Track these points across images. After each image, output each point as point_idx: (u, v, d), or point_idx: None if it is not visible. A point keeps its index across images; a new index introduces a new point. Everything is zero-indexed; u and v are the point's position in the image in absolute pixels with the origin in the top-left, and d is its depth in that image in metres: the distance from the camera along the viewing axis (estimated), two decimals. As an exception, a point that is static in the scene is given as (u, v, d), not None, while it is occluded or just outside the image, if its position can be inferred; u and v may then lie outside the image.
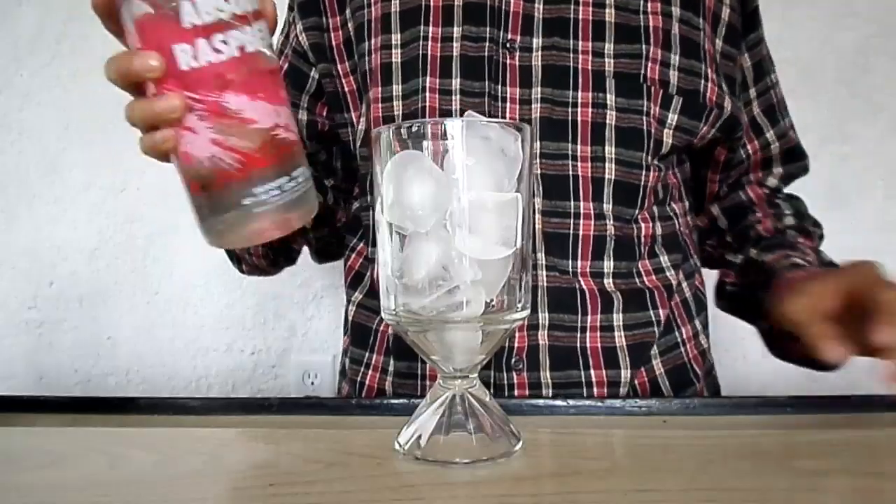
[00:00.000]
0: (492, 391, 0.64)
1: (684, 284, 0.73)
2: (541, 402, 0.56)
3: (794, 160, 0.80)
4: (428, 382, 0.68)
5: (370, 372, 0.73)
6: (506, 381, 0.65)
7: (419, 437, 0.43)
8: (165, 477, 0.41)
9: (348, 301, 0.79)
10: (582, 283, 0.67)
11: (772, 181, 0.80)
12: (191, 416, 0.55)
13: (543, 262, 0.66)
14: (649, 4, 0.69)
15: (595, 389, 0.65)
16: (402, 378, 0.70)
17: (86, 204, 1.30)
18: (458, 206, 0.39)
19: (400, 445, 0.43)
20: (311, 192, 0.44)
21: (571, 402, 0.56)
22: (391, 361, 0.71)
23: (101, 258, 1.30)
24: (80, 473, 0.41)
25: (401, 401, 0.56)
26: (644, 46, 0.68)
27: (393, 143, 0.41)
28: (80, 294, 1.30)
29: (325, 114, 0.78)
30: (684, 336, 0.72)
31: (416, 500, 0.37)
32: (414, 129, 0.41)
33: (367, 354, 0.74)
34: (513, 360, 0.65)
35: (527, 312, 0.43)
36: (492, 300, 0.41)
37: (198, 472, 0.41)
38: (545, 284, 0.66)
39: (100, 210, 1.30)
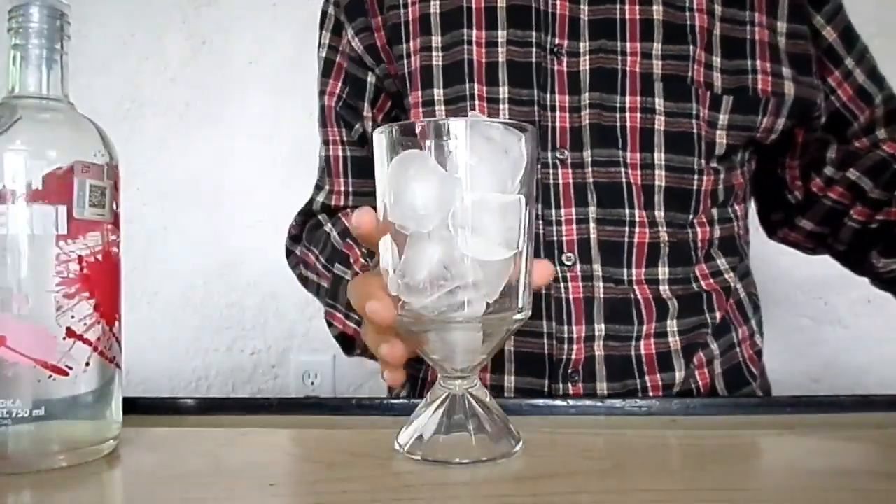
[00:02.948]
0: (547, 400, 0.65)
1: (739, 286, 0.72)
2: (541, 402, 0.56)
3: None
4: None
5: None
6: (561, 392, 0.65)
7: (419, 437, 0.43)
8: (165, 477, 0.41)
9: None
10: (637, 291, 0.66)
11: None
12: (191, 416, 0.55)
13: (600, 274, 0.65)
14: (695, 1, 0.67)
15: (650, 394, 0.66)
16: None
17: (86, 204, 1.30)
18: (461, 207, 0.39)
19: (400, 445, 0.43)
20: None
21: (571, 402, 0.56)
22: None
23: (101, 258, 1.30)
24: (80, 473, 0.41)
25: (400, 401, 0.56)
26: (691, 48, 0.66)
27: (395, 143, 0.41)
28: (80, 294, 1.30)
29: (379, 119, 0.76)
30: (740, 336, 0.71)
31: (415, 499, 0.37)
32: (417, 128, 0.41)
33: None
34: (569, 371, 0.65)
35: (528, 314, 0.43)
36: (493, 301, 0.41)
37: (198, 472, 0.41)
38: (602, 296, 0.65)
39: (100, 210, 1.30)
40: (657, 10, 0.66)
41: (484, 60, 0.67)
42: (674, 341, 0.67)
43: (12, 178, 0.39)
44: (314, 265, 0.74)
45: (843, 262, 0.79)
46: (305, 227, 0.79)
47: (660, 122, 0.66)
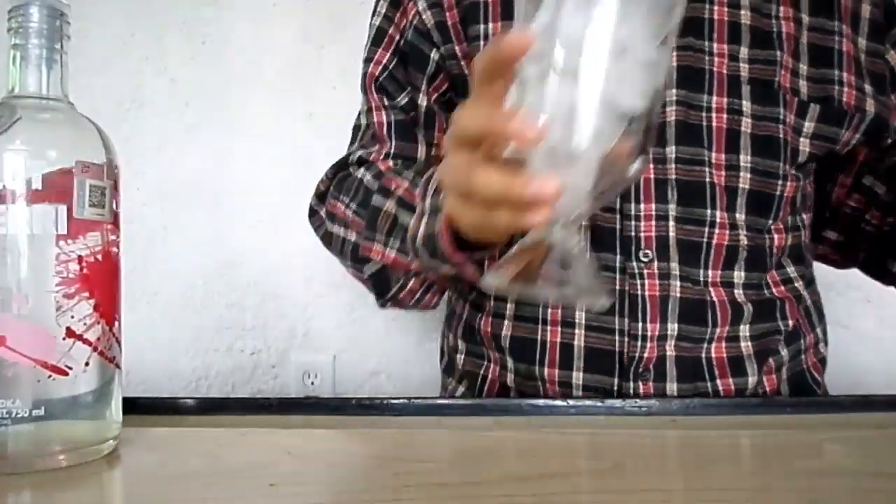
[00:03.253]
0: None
1: (806, 293, 0.72)
2: (541, 402, 0.56)
3: None
4: (547, 385, 0.67)
5: (492, 365, 0.72)
6: (631, 391, 0.64)
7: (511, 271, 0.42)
8: (165, 477, 0.41)
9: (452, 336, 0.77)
10: (713, 293, 0.66)
11: None
12: (191, 416, 0.55)
13: (677, 273, 0.65)
14: (781, 9, 0.67)
15: (722, 398, 0.65)
16: (522, 377, 0.69)
17: (86, 204, 1.30)
18: (608, 50, 0.38)
19: (495, 278, 0.43)
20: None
21: (571, 402, 0.56)
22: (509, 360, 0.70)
23: (101, 258, 1.30)
24: (80, 473, 0.41)
25: (401, 401, 0.56)
26: (778, 53, 0.66)
27: None
28: (80, 294, 1.30)
29: (435, 98, 0.74)
30: (807, 343, 0.71)
31: (415, 500, 0.37)
32: None
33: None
34: (640, 370, 0.64)
35: (644, 166, 0.42)
36: (606, 153, 0.40)
37: (198, 472, 0.41)
38: (678, 295, 0.65)
39: (100, 210, 1.30)
40: (745, 15, 0.66)
41: None
42: (745, 346, 0.66)
43: (12, 177, 0.39)
44: (343, 215, 0.71)
45: (869, 273, 0.79)
46: (334, 181, 0.76)
47: (746, 125, 0.65)
